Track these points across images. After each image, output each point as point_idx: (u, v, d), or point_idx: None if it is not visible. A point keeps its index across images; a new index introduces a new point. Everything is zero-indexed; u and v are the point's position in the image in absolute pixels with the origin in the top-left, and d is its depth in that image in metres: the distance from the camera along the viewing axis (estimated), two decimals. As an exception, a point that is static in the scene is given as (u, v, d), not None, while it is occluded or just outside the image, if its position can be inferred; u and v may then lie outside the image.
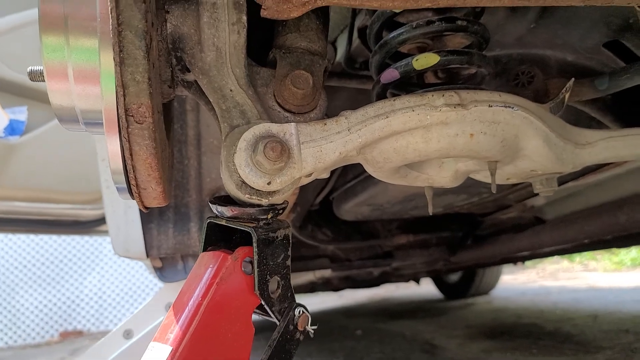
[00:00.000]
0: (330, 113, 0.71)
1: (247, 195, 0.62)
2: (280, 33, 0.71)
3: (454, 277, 5.43)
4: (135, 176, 0.59)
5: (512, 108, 0.63)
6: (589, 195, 1.60)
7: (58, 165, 2.29)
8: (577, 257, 8.34)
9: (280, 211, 0.66)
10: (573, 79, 0.72)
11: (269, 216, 0.65)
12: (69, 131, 0.69)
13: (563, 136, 0.68)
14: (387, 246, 2.18)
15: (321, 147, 0.62)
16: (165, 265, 1.41)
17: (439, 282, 5.73)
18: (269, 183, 0.60)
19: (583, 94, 0.79)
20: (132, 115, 0.54)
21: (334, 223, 1.93)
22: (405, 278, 4.45)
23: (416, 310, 4.99)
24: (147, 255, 1.28)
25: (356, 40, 0.98)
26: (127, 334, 1.54)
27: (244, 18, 0.65)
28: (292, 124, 0.62)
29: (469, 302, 4.99)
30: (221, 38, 0.65)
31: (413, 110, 0.61)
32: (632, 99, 0.87)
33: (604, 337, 2.65)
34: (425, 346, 3.08)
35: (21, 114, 2.10)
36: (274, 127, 0.61)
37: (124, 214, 1.30)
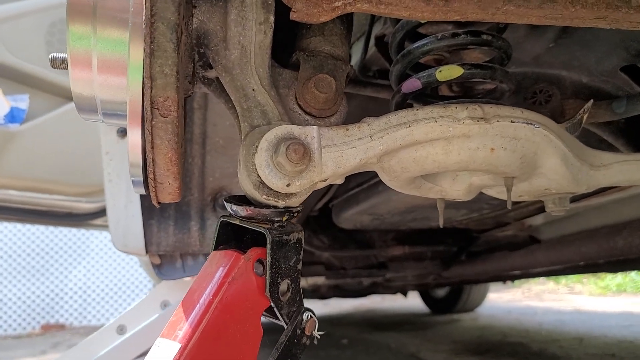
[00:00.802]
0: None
1: (264, 196, 0.61)
2: (305, 36, 0.71)
3: (441, 292, 5.44)
4: (154, 170, 0.58)
5: (534, 125, 0.63)
6: (588, 217, 1.60)
7: (55, 156, 2.27)
8: (563, 280, 8.40)
9: (295, 214, 0.66)
10: (592, 100, 0.73)
11: (284, 218, 0.65)
12: (86, 121, 0.69)
13: (580, 157, 0.68)
14: (382, 257, 2.18)
15: (342, 152, 0.62)
16: (164, 262, 1.40)
17: (426, 296, 5.74)
18: (288, 185, 0.60)
19: (599, 116, 0.79)
20: (157, 108, 0.54)
21: (331, 230, 1.93)
22: (393, 290, 4.45)
23: (402, 322, 4.99)
24: (146, 252, 1.27)
25: (372, 49, 0.99)
26: (121, 330, 1.52)
27: (272, 18, 0.65)
28: (314, 127, 0.62)
29: (455, 317, 5.00)
30: (247, 37, 0.64)
31: (436, 121, 0.61)
32: (645, 124, 0.88)
33: (590, 361, 2.66)
34: (411, 359, 3.08)
35: (22, 102, 2.08)
36: (296, 129, 0.61)
37: (124, 208, 1.29)
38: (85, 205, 2.33)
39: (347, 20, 0.73)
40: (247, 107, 0.64)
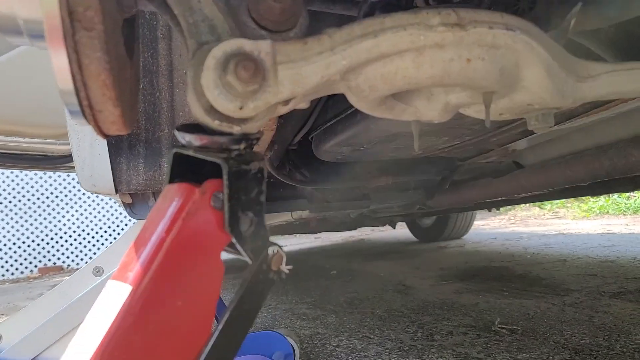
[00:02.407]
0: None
1: (216, 122, 0.55)
2: (257, -62, 0.62)
3: (428, 222, 5.51)
4: (87, 95, 0.51)
5: (515, 32, 0.56)
6: (572, 140, 1.56)
7: (24, 96, 2.16)
8: (548, 205, 8.58)
9: (255, 141, 0.60)
10: (580, 3, 0.66)
11: (242, 146, 0.59)
12: (14, 44, 0.61)
13: (565, 67, 0.62)
14: (366, 188, 2.15)
15: (300, 68, 0.55)
16: (136, 201, 1.34)
17: (413, 226, 5.82)
18: (240, 108, 0.54)
19: (588, 23, 0.72)
20: (78, 21, 0.46)
21: (312, 164, 1.87)
22: (381, 221, 4.48)
23: (390, 252, 5.08)
24: (116, 191, 1.21)
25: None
26: (97, 271, 1.50)
27: None
28: (268, 41, 0.54)
29: (442, 245, 5.10)
30: None
31: (405, 30, 0.54)
32: (636, 32, 0.81)
33: (573, 281, 2.73)
34: (399, 286, 3.14)
35: (-22, 39, 1.95)
36: (247, 44, 0.54)
37: (90, 146, 1.22)
38: (59, 147, 2.25)
39: None
40: (193, 21, 0.57)
